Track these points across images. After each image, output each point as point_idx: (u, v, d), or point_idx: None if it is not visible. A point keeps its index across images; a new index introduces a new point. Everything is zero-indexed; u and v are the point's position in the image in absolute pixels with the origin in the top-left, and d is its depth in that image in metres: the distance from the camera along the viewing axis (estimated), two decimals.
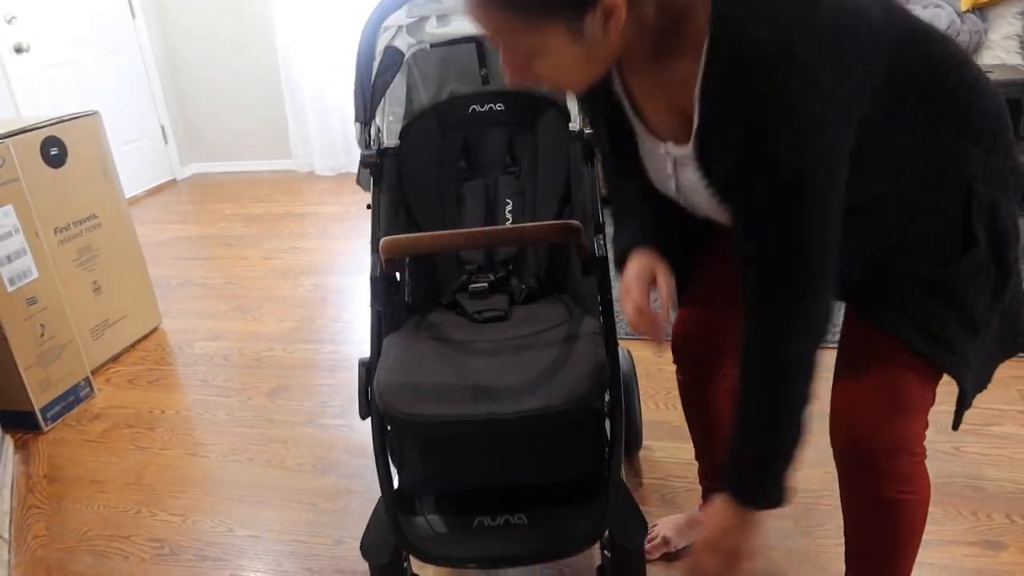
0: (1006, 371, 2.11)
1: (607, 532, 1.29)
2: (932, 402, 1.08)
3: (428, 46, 1.56)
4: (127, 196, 4.58)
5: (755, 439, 0.97)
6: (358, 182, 1.63)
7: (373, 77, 1.46)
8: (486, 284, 1.55)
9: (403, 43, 1.48)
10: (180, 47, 4.90)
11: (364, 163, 1.50)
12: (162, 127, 4.93)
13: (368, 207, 1.53)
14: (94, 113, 2.57)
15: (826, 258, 0.88)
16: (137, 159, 4.73)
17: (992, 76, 2.66)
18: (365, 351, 2.77)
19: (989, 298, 1.00)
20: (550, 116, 1.62)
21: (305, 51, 4.60)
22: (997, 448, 1.84)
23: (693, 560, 1.06)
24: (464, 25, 1.50)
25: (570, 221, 1.25)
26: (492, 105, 1.59)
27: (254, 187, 4.77)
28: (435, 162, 1.61)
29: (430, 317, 1.51)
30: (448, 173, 1.64)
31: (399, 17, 1.46)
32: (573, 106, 1.59)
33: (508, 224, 1.55)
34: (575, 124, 1.58)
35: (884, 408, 1.04)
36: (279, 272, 3.36)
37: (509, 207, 1.56)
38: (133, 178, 4.68)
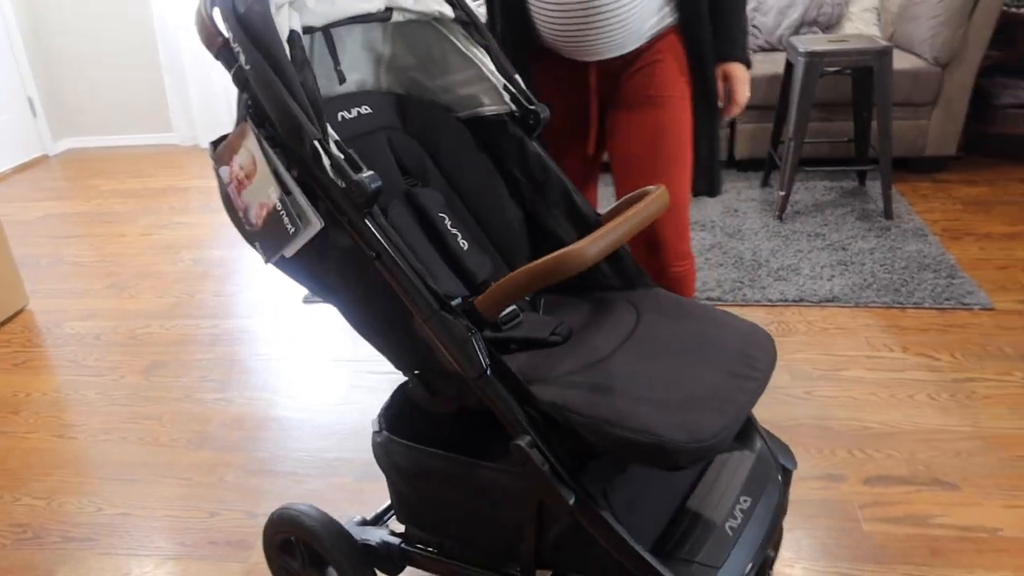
0: (855, 320, 2.29)
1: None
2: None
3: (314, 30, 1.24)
4: None
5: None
6: None
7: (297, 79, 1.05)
8: (514, 307, 1.25)
9: (296, 23, 1.13)
10: (44, 12, 4.60)
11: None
12: (29, 99, 4.63)
13: None
14: None
15: None
16: (2, 134, 4.43)
17: (849, 45, 2.82)
18: (249, 324, 2.76)
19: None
20: (428, 112, 1.38)
21: (183, 18, 4.40)
22: (844, 391, 1.98)
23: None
24: (355, 4, 1.18)
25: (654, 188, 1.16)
26: (359, 109, 1.31)
27: (133, 162, 4.55)
28: None
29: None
30: None
31: None
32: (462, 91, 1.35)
33: (464, 247, 1.29)
34: (493, 107, 1.34)
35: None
36: (158, 248, 3.24)
37: (448, 222, 1.30)
38: None
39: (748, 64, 1.62)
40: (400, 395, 1.31)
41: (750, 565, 1.11)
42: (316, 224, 1.04)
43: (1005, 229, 2.84)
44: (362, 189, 0.99)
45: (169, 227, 3.46)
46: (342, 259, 1.07)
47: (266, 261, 1.08)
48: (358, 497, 1.73)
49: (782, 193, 2.97)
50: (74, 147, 4.93)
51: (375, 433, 1.25)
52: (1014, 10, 3.23)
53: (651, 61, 1.55)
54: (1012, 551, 1.48)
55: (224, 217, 3.50)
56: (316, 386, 2.17)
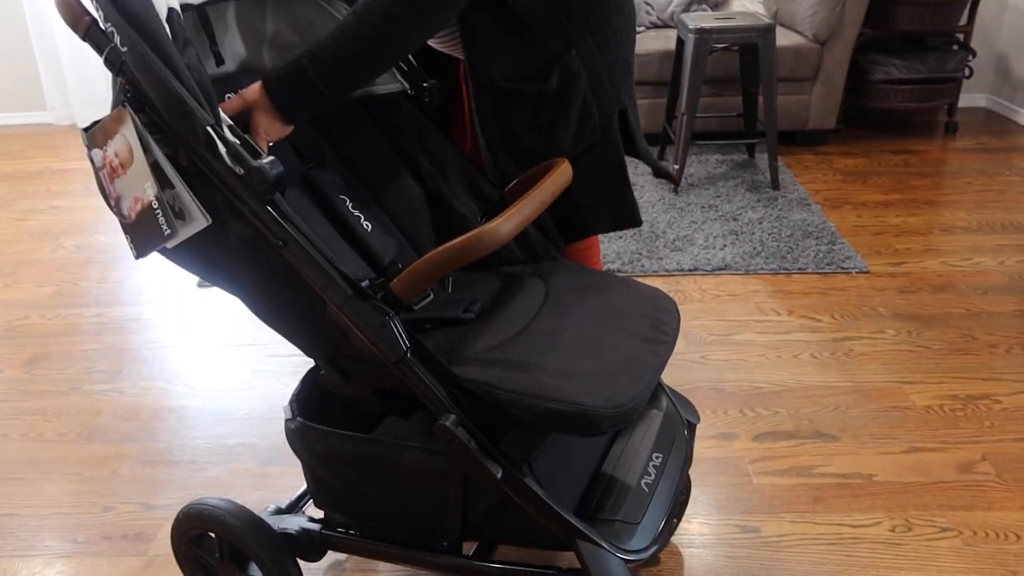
0: (746, 287, 2.39)
1: None
2: None
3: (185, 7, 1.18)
4: None
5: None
6: None
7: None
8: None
9: (175, 1, 1.06)
10: None
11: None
12: None
13: None
14: None
15: None
16: None
17: (736, 22, 2.92)
18: (138, 312, 2.63)
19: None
20: None
21: None
22: (736, 354, 2.08)
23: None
24: None
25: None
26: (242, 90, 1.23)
27: (4, 142, 4.24)
28: None
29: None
30: None
31: None
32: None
33: (368, 229, 1.26)
34: (386, 86, 1.32)
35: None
36: (36, 234, 3.04)
37: (349, 204, 1.27)
38: None
39: (277, 101, 1.12)
40: (311, 380, 1.29)
41: (665, 517, 1.17)
42: (201, 221, 1.00)
43: (879, 198, 3.03)
44: (263, 176, 0.95)
45: (47, 212, 3.25)
46: (242, 248, 1.04)
47: (136, 257, 1.03)
48: (263, 482, 1.70)
49: (677, 166, 3.06)
50: None
51: (288, 420, 1.22)
52: None
53: None
54: (884, 495, 1.60)
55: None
56: (214, 373, 2.10)
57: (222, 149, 0.95)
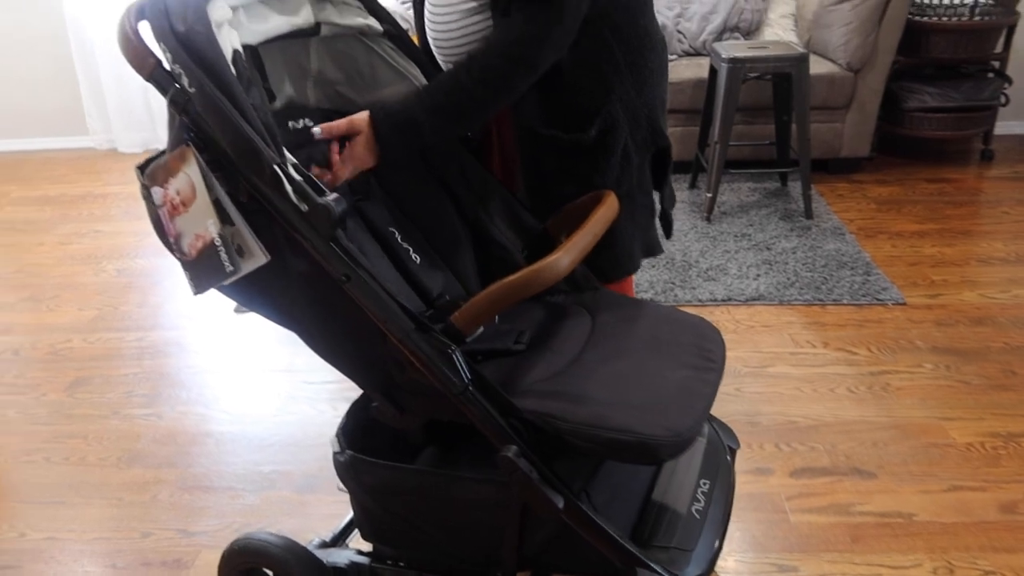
0: (780, 318, 2.38)
1: None
2: None
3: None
4: None
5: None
6: None
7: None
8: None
9: (237, 41, 1.06)
10: None
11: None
12: None
13: None
14: None
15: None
16: None
17: (769, 52, 2.92)
18: (177, 336, 2.68)
19: None
20: None
21: (96, 14, 4.23)
22: (771, 387, 2.06)
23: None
24: (286, 20, 1.16)
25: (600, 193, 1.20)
26: (304, 120, 1.28)
27: (48, 167, 4.36)
28: None
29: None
30: None
31: (220, 10, 1.02)
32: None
33: (417, 261, 1.30)
34: None
35: None
36: (78, 258, 3.12)
37: (399, 237, 1.31)
38: None
39: (380, 135, 1.16)
40: (356, 412, 1.31)
41: (718, 542, 1.19)
42: (261, 258, 1.02)
43: (914, 227, 3.00)
44: (329, 213, 0.97)
45: (89, 235, 3.33)
46: (301, 283, 1.06)
47: (195, 293, 1.06)
48: (299, 511, 1.71)
49: (709, 195, 3.06)
50: None
51: (336, 453, 1.24)
52: (918, 18, 3.40)
53: None
54: (924, 535, 1.57)
55: (146, 225, 3.39)
56: (251, 398, 2.13)
57: (288, 187, 0.98)
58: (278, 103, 1.28)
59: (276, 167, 0.97)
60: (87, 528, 1.70)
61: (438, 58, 1.37)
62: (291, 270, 1.06)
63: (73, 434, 2.02)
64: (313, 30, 1.22)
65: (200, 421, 2.04)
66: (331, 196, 0.98)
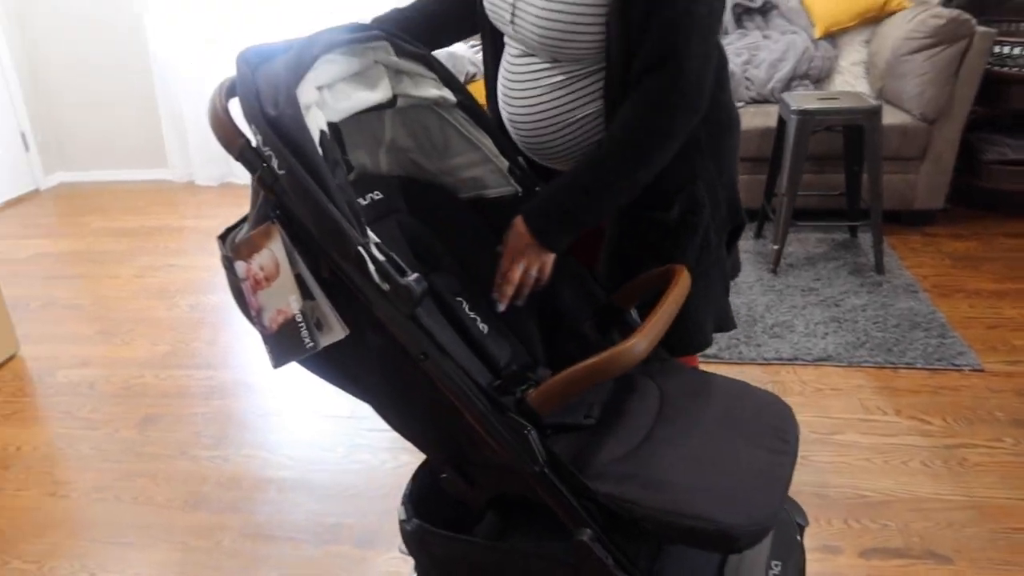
0: (849, 381, 2.31)
1: None
2: None
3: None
4: None
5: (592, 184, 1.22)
6: None
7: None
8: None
9: (323, 122, 1.07)
10: (40, 46, 4.61)
11: None
12: (22, 134, 4.63)
13: None
14: None
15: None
16: None
17: (840, 103, 2.87)
18: (245, 377, 2.74)
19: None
20: (432, 194, 1.37)
21: (179, 49, 4.42)
22: (840, 456, 2.00)
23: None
24: (366, 95, 1.17)
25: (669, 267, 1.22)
26: (372, 195, 1.29)
27: (127, 198, 4.55)
28: None
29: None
30: None
31: (307, 93, 1.04)
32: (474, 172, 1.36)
33: (484, 331, 1.29)
34: (498, 190, 1.36)
35: None
36: (152, 291, 3.23)
37: (466, 306, 1.31)
38: None
39: (535, 229, 1.23)
40: (422, 476, 1.32)
41: None
42: (339, 333, 1.04)
43: (993, 286, 2.89)
44: (410, 293, 0.99)
45: (163, 269, 3.45)
46: (379, 358, 1.08)
47: (274, 366, 1.08)
48: (359, 568, 1.72)
49: (776, 247, 3.01)
50: (66, 181, 4.92)
51: (403, 522, 1.24)
52: (997, 68, 3.31)
53: None
54: None
55: (220, 262, 3.50)
56: (314, 444, 2.16)
57: (371, 267, 1.00)
58: (352, 175, 1.31)
59: (360, 248, 0.99)
60: (153, 570, 1.74)
61: (511, 127, 1.38)
62: (368, 344, 1.08)
63: (142, 473, 2.08)
64: (391, 103, 1.25)
65: (264, 466, 2.08)
66: (412, 276, 1.00)
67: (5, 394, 2.51)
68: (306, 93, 1.05)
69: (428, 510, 1.27)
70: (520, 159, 1.35)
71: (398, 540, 1.28)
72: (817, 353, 2.45)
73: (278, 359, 1.08)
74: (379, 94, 1.22)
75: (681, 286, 1.16)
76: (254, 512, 1.91)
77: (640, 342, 1.01)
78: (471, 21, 1.41)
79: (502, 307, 1.26)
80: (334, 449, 2.13)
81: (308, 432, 2.21)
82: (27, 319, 3.02)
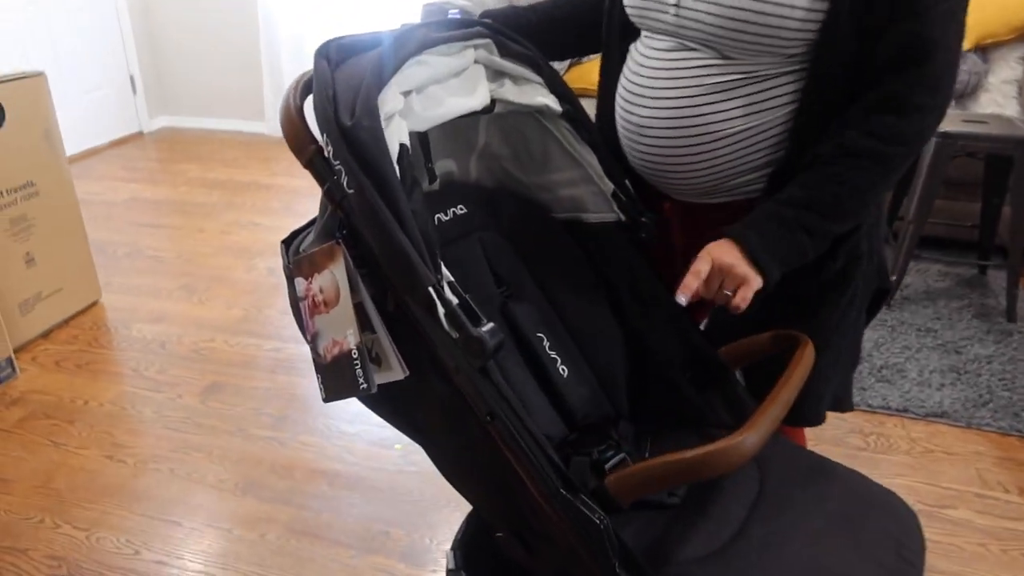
0: (966, 446, 2.05)
1: None
2: None
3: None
4: (88, 147, 4.40)
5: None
6: None
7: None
8: (623, 454, 1.07)
9: (405, 135, 0.92)
10: None
11: None
12: (131, 76, 4.70)
13: None
14: (39, 74, 2.39)
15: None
16: (102, 109, 4.51)
17: (988, 129, 2.55)
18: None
19: None
20: (523, 210, 1.21)
21: (286, 11, 4.39)
22: (948, 536, 1.77)
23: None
24: (461, 102, 1.01)
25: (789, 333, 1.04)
26: (454, 210, 1.15)
27: (224, 149, 4.57)
28: None
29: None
30: None
31: (392, 100, 0.90)
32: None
33: (564, 374, 1.14)
34: (598, 215, 1.18)
35: None
36: (235, 250, 3.21)
37: (547, 344, 1.15)
38: (96, 129, 4.48)
39: (748, 250, 1.01)
40: (479, 524, 1.18)
41: None
42: (398, 373, 0.91)
43: None
44: (482, 346, 0.84)
45: (248, 227, 3.43)
46: (440, 407, 0.94)
47: (325, 400, 0.96)
48: None
49: (894, 277, 2.73)
50: (169, 125, 4.99)
51: (450, 571, 1.12)
52: None
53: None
54: None
55: (303, 224, 3.46)
56: (373, 438, 2.07)
57: (441, 311, 0.86)
58: (436, 184, 1.17)
59: (431, 288, 0.85)
60: (196, 557, 1.68)
61: (633, 139, 1.17)
62: (431, 390, 0.94)
63: (199, 447, 2.03)
64: (487, 109, 1.10)
65: (319, 456, 2.00)
66: (486, 327, 0.85)
67: (82, 342, 2.52)
68: (390, 100, 0.90)
69: (480, 561, 1.14)
70: (627, 183, 1.17)
71: (444, 561, 1.16)
72: (930, 407, 2.19)
73: (329, 393, 0.96)
74: (476, 100, 1.06)
75: (804, 366, 0.97)
76: (303, 507, 1.82)
77: (750, 437, 0.84)
78: (597, 36, 1.23)
79: (683, 300, 1.02)
80: (392, 446, 2.03)
81: (368, 425, 2.11)
82: (112, 266, 3.04)
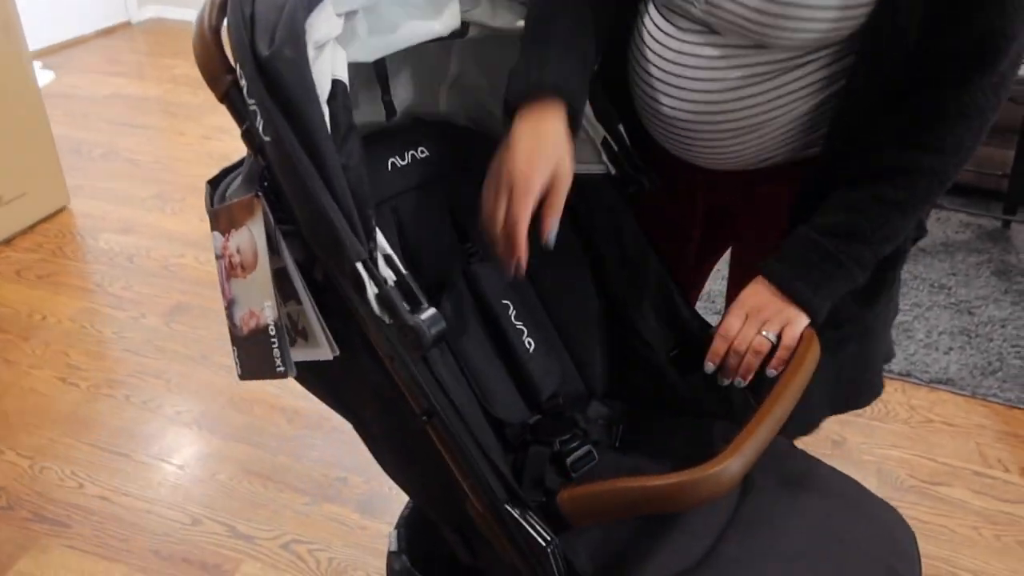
0: (969, 417, 1.93)
1: None
2: None
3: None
4: (74, 36, 4.15)
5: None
6: None
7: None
8: (588, 445, 0.97)
9: (342, 65, 0.77)
10: None
11: None
12: None
13: None
14: None
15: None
16: None
17: None
18: None
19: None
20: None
21: None
22: (939, 515, 1.66)
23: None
24: (423, 25, 0.86)
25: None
26: (413, 152, 0.98)
27: None
28: None
29: None
30: None
31: (326, 23, 0.74)
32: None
33: (530, 348, 0.99)
34: (585, 166, 1.00)
35: None
36: (215, 157, 3.03)
37: (513, 313, 1.00)
38: (83, 16, 4.23)
39: (788, 286, 0.88)
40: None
41: None
42: (325, 352, 0.77)
43: None
44: (418, 337, 0.70)
45: (231, 133, 3.23)
46: (373, 393, 0.81)
47: (240, 377, 0.82)
48: (353, 535, 1.52)
49: None
50: (157, 16, 4.71)
51: (392, 553, 1.02)
52: None
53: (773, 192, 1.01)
54: None
55: None
56: None
57: (371, 292, 0.71)
58: (395, 119, 1.00)
59: (359, 264, 0.70)
60: (140, 496, 1.60)
61: (659, 117, 0.96)
62: (363, 373, 0.81)
63: (158, 373, 1.93)
64: (458, 33, 0.92)
65: (283, 391, 1.89)
66: (426, 314, 0.71)
67: (46, 251, 2.39)
68: (323, 23, 0.73)
69: (424, 544, 1.04)
70: (620, 129, 0.99)
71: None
72: (935, 372, 2.06)
73: (244, 370, 0.82)
74: (442, 23, 0.89)
75: (806, 368, 0.82)
76: (260, 445, 1.73)
77: (731, 464, 0.69)
78: None
79: (710, 368, 0.91)
80: None
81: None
82: (85, 167, 2.87)
